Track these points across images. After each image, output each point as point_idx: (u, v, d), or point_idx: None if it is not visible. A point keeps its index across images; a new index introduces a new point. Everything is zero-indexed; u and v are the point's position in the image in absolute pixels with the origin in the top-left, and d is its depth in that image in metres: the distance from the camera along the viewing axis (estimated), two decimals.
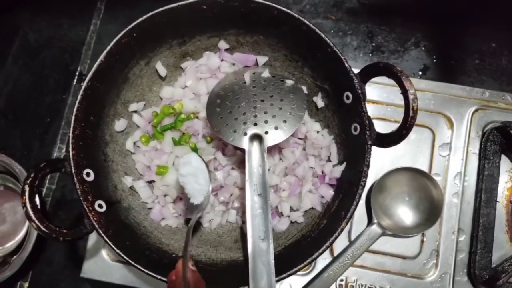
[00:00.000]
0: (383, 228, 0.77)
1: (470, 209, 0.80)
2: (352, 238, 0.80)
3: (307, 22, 0.66)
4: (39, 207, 0.58)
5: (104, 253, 0.80)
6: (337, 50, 0.65)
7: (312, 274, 0.78)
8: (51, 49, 0.98)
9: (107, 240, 0.61)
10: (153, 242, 0.70)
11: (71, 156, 0.62)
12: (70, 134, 0.63)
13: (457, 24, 0.95)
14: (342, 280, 0.79)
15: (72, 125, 0.63)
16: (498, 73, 0.92)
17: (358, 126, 0.65)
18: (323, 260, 0.78)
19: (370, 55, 0.94)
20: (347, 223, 0.61)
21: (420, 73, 0.92)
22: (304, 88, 0.75)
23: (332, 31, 0.95)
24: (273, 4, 0.67)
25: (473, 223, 0.80)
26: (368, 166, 0.62)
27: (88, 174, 0.65)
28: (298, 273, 0.61)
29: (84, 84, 0.65)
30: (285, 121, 0.66)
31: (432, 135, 0.84)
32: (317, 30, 0.66)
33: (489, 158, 0.80)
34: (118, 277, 0.78)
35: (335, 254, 0.78)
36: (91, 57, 0.97)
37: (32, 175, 0.58)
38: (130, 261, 0.61)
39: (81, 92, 0.64)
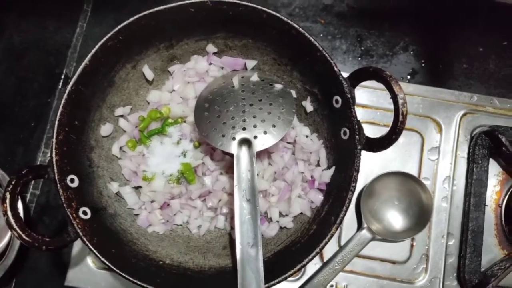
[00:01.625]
0: (373, 233, 0.76)
1: (459, 213, 0.81)
2: (342, 243, 0.79)
3: (296, 26, 0.65)
4: (21, 214, 0.57)
5: (89, 260, 0.78)
6: (326, 54, 0.64)
7: (302, 280, 0.77)
8: (36, 52, 0.96)
9: (92, 248, 0.60)
10: (139, 249, 0.69)
11: (54, 162, 0.61)
12: (54, 140, 0.61)
13: (445, 28, 0.96)
14: (332, 285, 0.78)
15: (55, 130, 0.62)
16: (486, 77, 0.93)
17: (348, 131, 0.65)
18: (313, 265, 0.78)
19: (359, 59, 0.93)
20: (337, 228, 0.61)
21: (408, 77, 0.92)
22: (293, 92, 0.74)
23: (321, 35, 0.95)
24: (262, 8, 0.66)
25: (462, 227, 0.80)
26: (357, 171, 0.62)
27: (72, 180, 0.63)
28: (288, 279, 0.61)
29: (68, 88, 0.63)
30: (274, 126, 0.66)
31: (421, 139, 0.84)
32: (306, 34, 0.65)
33: (478, 162, 0.80)
34: (104, 285, 0.77)
35: (325, 259, 0.78)
36: (77, 60, 0.95)
37: (13, 182, 0.56)
38: (116, 269, 0.60)
39: (65, 97, 0.63)
